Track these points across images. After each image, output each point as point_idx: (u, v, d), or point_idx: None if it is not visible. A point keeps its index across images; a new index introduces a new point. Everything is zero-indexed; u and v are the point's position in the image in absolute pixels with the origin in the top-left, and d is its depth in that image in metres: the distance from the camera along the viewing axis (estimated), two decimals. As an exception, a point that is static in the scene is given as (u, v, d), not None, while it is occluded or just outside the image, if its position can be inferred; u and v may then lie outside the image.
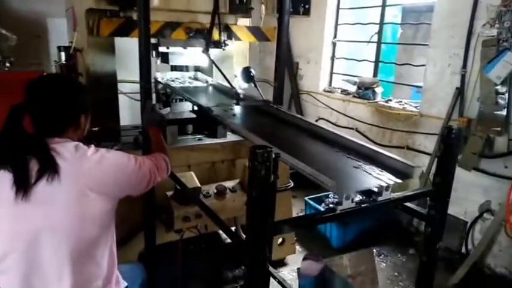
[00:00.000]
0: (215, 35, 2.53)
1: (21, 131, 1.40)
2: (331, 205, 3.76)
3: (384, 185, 1.24)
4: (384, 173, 1.34)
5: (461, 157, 3.23)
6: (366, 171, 1.35)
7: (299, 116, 2.05)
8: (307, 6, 2.80)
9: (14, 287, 1.39)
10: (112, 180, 1.48)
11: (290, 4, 2.23)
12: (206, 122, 2.45)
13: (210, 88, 2.79)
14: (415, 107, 3.80)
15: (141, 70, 2.02)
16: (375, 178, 1.30)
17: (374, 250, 3.54)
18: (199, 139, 2.67)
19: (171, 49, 2.66)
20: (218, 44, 2.57)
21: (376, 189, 1.25)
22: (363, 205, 1.25)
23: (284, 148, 1.35)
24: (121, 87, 3.20)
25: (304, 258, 1.51)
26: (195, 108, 2.33)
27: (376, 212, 2.83)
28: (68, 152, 1.41)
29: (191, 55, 2.75)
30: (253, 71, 2.53)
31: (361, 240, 3.54)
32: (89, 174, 1.41)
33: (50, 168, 1.35)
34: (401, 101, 4.03)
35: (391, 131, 3.96)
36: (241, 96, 2.31)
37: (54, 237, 1.37)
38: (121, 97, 3.17)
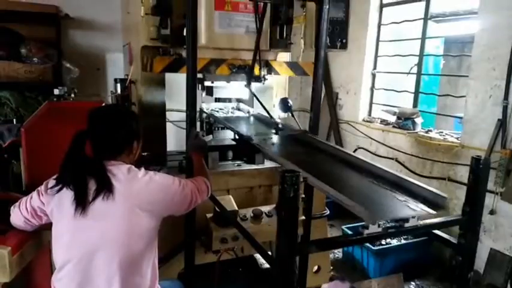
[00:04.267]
0: (256, 71, 2.72)
1: (83, 154, 1.60)
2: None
3: (415, 214, 1.29)
4: (417, 203, 1.38)
5: (504, 190, 3.15)
6: (398, 199, 1.40)
7: (333, 145, 2.14)
8: (344, 41, 2.91)
9: (69, 296, 1.56)
10: (158, 199, 1.64)
11: (326, 39, 2.37)
12: (245, 149, 2.59)
13: (251, 118, 2.95)
14: (457, 138, 3.75)
15: (187, 100, 2.22)
16: (408, 208, 1.34)
17: (414, 283, 3.47)
18: (239, 165, 2.81)
19: (216, 83, 2.88)
20: (258, 79, 2.75)
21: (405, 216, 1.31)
22: (389, 230, 1.32)
23: (316, 174, 1.45)
24: (168, 115, 3.46)
25: (331, 279, 1.57)
26: (237, 136, 2.48)
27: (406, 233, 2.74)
28: (121, 173, 1.59)
29: (234, 88, 2.95)
30: (290, 102, 2.67)
31: (399, 272, 3.47)
32: (138, 194, 1.58)
33: (106, 187, 1.54)
34: (442, 132, 3.99)
35: (431, 161, 3.91)
36: (280, 126, 2.44)
37: (107, 249, 1.53)
38: (168, 125, 3.42)
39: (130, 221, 1.56)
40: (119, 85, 3.46)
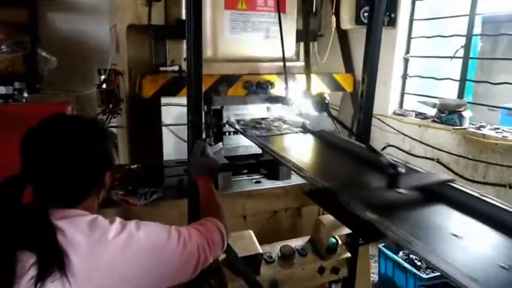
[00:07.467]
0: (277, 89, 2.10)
1: (13, 209, 0.94)
2: (411, 255, 3.08)
3: None
4: None
5: None
6: None
7: None
8: (393, 16, 2.22)
9: None
10: (143, 271, 0.99)
11: (383, 11, 1.69)
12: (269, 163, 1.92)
13: (316, 139, 1.86)
14: (520, 136, 3.07)
15: (189, 99, 1.55)
16: None
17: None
18: (258, 182, 2.16)
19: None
20: (284, 100, 2.07)
21: None
22: None
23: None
24: (165, 111, 2.76)
25: None
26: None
27: None
28: (80, 234, 0.93)
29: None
30: (328, 98, 1.98)
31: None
32: (109, 268, 0.93)
33: (53, 265, 0.88)
34: (498, 128, 3.30)
35: (485, 164, 3.24)
36: (400, 169, 1.18)
37: None
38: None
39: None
40: (103, 77, 2.81)
